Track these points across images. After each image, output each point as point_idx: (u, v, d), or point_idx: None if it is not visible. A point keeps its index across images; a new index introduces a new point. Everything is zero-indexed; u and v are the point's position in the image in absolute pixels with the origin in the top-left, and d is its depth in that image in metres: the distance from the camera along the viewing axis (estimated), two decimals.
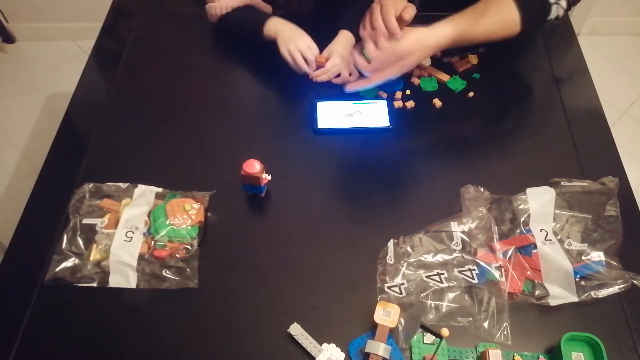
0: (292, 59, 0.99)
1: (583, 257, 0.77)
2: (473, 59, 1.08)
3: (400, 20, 0.88)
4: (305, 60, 0.99)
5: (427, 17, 0.92)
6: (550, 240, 0.77)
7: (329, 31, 1.04)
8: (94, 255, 0.79)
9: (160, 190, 0.87)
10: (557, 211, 0.81)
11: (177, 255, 0.79)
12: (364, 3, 0.99)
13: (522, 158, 0.94)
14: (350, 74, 1.02)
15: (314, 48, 1.00)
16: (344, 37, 1.03)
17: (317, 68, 1.00)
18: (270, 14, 1.05)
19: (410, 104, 1.01)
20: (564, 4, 0.95)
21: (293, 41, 0.99)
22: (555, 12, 0.95)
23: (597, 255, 0.77)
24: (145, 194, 0.86)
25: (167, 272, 0.78)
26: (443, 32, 0.90)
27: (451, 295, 0.76)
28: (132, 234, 0.79)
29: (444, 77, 1.04)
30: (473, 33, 0.93)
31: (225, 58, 1.13)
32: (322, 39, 1.03)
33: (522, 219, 0.80)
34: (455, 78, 1.04)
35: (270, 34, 1.03)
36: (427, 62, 1.07)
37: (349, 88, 0.97)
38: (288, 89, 1.05)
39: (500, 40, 0.95)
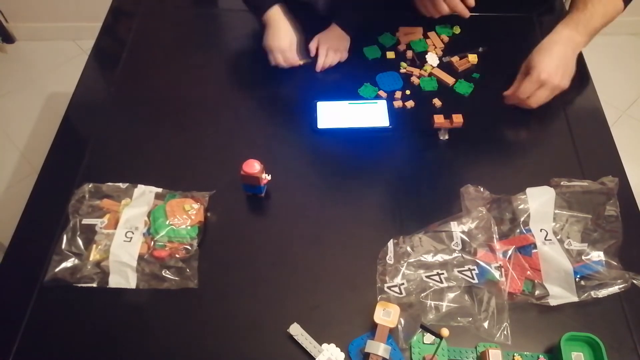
0: (273, 58, 1.03)
1: (583, 257, 0.77)
2: (473, 59, 1.07)
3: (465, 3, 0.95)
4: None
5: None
6: (550, 240, 0.77)
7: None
8: (94, 255, 0.79)
9: (159, 190, 0.87)
10: (557, 211, 0.81)
11: (177, 256, 0.79)
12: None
13: (522, 158, 0.94)
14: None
15: (291, 56, 1.02)
16: (335, 31, 1.08)
17: None
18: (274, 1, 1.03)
19: (410, 103, 1.01)
20: None
21: (269, 43, 1.02)
22: None
23: (597, 255, 0.77)
24: (144, 194, 0.86)
25: (167, 272, 0.78)
26: (577, 45, 0.96)
27: (451, 295, 0.76)
28: (132, 234, 0.79)
29: (450, 80, 1.04)
30: (598, 30, 0.98)
31: (225, 58, 1.13)
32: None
33: (522, 219, 0.80)
34: (461, 82, 1.04)
35: (264, 23, 1.03)
36: (435, 63, 1.07)
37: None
38: (288, 89, 1.05)
39: (614, 18, 1.01)
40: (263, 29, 1.03)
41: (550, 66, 0.93)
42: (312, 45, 1.08)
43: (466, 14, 0.97)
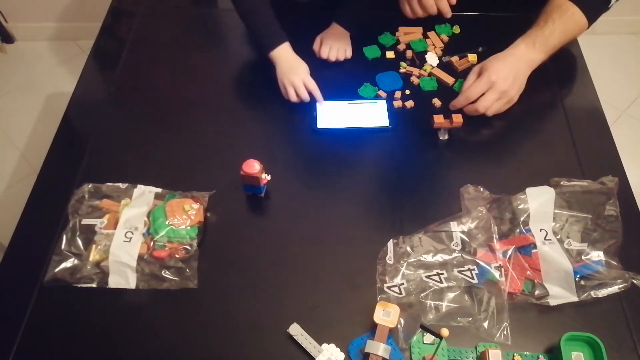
0: (286, 93, 1.00)
1: (583, 257, 0.77)
2: (473, 59, 1.07)
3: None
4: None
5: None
6: (550, 240, 0.77)
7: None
8: (94, 255, 0.79)
9: (159, 190, 0.87)
10: (556, 211, 0.81)
11: (177, 256, 0.79)
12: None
13: (522, 158, 0.94)
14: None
15: (309, 82, 1.00)
16: (335, 29, 1.09)
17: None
18: (283, 38, 1.01)
19: (409, 103, 1.01)
20: None
21: (287, 76, 0.99)
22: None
23: (597, 255, 0.77)
24: (144, 194, 0.86)
25: (167, 272, 0.78)
26: (532, 61, 0.97)
27: (451, 295, 0.76)
28: (132, 234, 0.79)
29: (450, 80, 1.04)
30: (557, 48, 0.98)
31: (225, 58, 1.13)
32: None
33: (522, 219, 0.80)
34: (461, 82, 1.04)
35: (273, 61, 1.02)
36: (434, 63, 1.07)
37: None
38: None
39: (578, 35, 1.01)
40: (272, 64, 1.02)
41: (502, 71, 0.94)
42: (316, 45, 1.08)
43: (449, 13, 0.96)
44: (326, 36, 1.09)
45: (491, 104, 0.95)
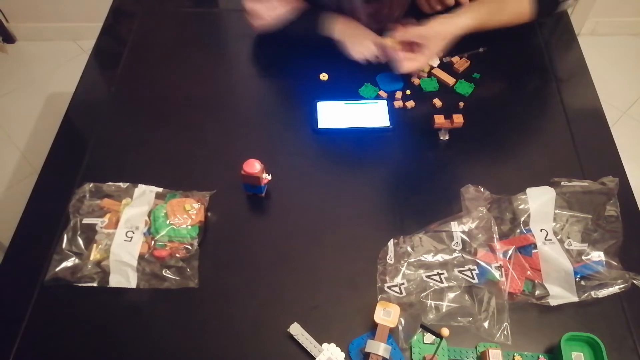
0: (372, 57, 1.02)
1: (583, 257, 0.77)
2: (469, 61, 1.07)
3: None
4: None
5: None
6: (551, 240, 0.77)
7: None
8: (94, 255, 0.79)
9: (160, 190, 0.87)
10: (557, 211, 0.81)
11: (177, 255, 0.79)
12: None
13: (522, 158, 0.94)
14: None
15: (379, 40, 1.01)
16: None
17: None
18: (329, 15, 1.02)
19: (410, 104, 1.01)
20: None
21: (359, 41, 1.01)
22: (563, 5, 1.00)
23: (597, 255, 0.77)
24: (145, 194, 0.86)
25: (167, 271, 0.78)
26: (463, 23, 0.95)
27: (451, 295, 0.76)
28: (133, 233, 0.79)
29: (450, 81, 1.04)
30: (489, 24, 0.98)
31: (225, 58, 1.13)
32: None
33: (522, 219, 0.80)
34: (461, 82, 1.04)
35: (335, 35, 1.02)
36: (435, 63, 1.07)
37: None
38: (288, 89, 1.05)
39: (512, 26, 1.01)
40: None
41: (436, 27, 0.94)
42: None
43: (467, 2, 0.99)
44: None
45: (411, 67, 0.97)
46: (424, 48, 0.95)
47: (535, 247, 0.77)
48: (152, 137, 0.98)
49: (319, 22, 1.02)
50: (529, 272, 0.76)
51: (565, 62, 1.10)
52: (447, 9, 1.03)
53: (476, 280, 0.76)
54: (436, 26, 0.94)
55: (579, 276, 0.75)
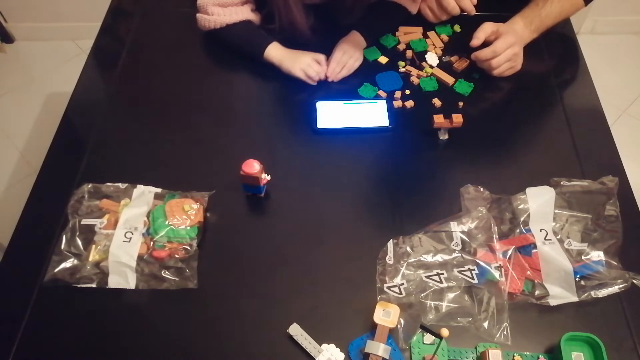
0: (308, 78, 1.02)
1: (583, 257, 0.77)
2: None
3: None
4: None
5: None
6: (550, 240, 0.77)
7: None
8: (93, 255, 0.79)
9: (159, 190, 0.87)
10: (557, 211, 0.81)
11: (177, 256, 0.79)
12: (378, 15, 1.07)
13: (522, 158, 0.94)
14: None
15: (319, 58, 1.03)
16: (355, 37, 1.08)
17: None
18: (268, 38, 1.04)
19: (409, 103, 1.01)
20: None
21: (295, 65, 1.02)
22: None
23: (597, 255, 0.77)
24: (144, 195, 0.86)
25: (167, 272, 0.78)
26: (526, 40, 1.02)
27: (451, 295, 0.76)
28: (131, 234, 0.79)
29: (449, 80, 1.04)
30: (547, 23, 1.03)
31: (225, 58, 1.12)
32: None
33: (522, 219, 0.80)
34: (461, 82, 1.04)
35: (272, 61, 1.04)
36: (434, 63, 1.07)
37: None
38: (288, 89, 1.05)
39: (572, 15, 1.07)
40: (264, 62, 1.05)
41: (512, 39, 0.99)
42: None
43: (473, 10, 1.01)
44: (343, 41, 1.06)
45: (504, 63, 1.00)
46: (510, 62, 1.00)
47: (535, 247, 0.77)
48: (151, 137, 0.98)
49: (259, 46, 1.04)
50: (528, 272, 0.76)
51: (565, 60, 1.10)
52: (453, 19, 1.07)
53: (476, 281, 0.76)
54: (514, 40, 0.99)
55: (578, 276, 0.75)
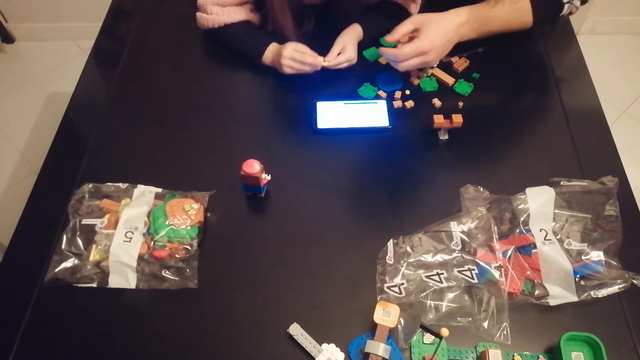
0: (294, 68, 1.01)
1: (583, 257, 0.77)
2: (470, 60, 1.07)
3: None
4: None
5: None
6: (550, 240, 0.77)
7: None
8: (94, 255, 0.79)
9: (159, 190, 0.87)
10: (556, 211, 0.81)
11: (177, 256, 0.79)
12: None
13: (522, 158, 0.94)
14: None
15: (297, 47, 1.00)
16: (354, 29, 1.06)
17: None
18: (267, 40, 1.04)
19: (409, 104, 1.01)
20: (577, 3, 0.98)
21: (282, 61, 1.00)
22: (568, 9, 0.98)
23: (597, 255, 0.77)
24: (144, 194, 0.86)
25: (167, 272, 0.78)
26: (463, 37, 0.96)
27: (451, 295, 0.76)
28: (132, 234, 0.79)
29: (450, 80, 1.04)
30: (491, 26, 0.97)
31: (225, 58, 1.12)
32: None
33: (522, 219, 0.80)
34: (461, 82, 1.04)
35: (270, 64, 1.04)
36: (434, 63, 1.07)
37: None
38: (288, 89, 1.05)
39: (515, 30, 0.99)
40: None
41: (436, 41, 0.92)
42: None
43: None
44: (344, 33, 1.05)
45: (412, 66, 0.95)
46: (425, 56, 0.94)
47: (535, 247, 0.77)
48: (151, 137, 0.98)
49: (257, 50, 1.04)
50: (528, 272, 0.76)
51: (565, 61, 1.10)
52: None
53: (476, 280, 0.76)
54: (439, 42, 0.93)
55: (578, 276, 0.75)
